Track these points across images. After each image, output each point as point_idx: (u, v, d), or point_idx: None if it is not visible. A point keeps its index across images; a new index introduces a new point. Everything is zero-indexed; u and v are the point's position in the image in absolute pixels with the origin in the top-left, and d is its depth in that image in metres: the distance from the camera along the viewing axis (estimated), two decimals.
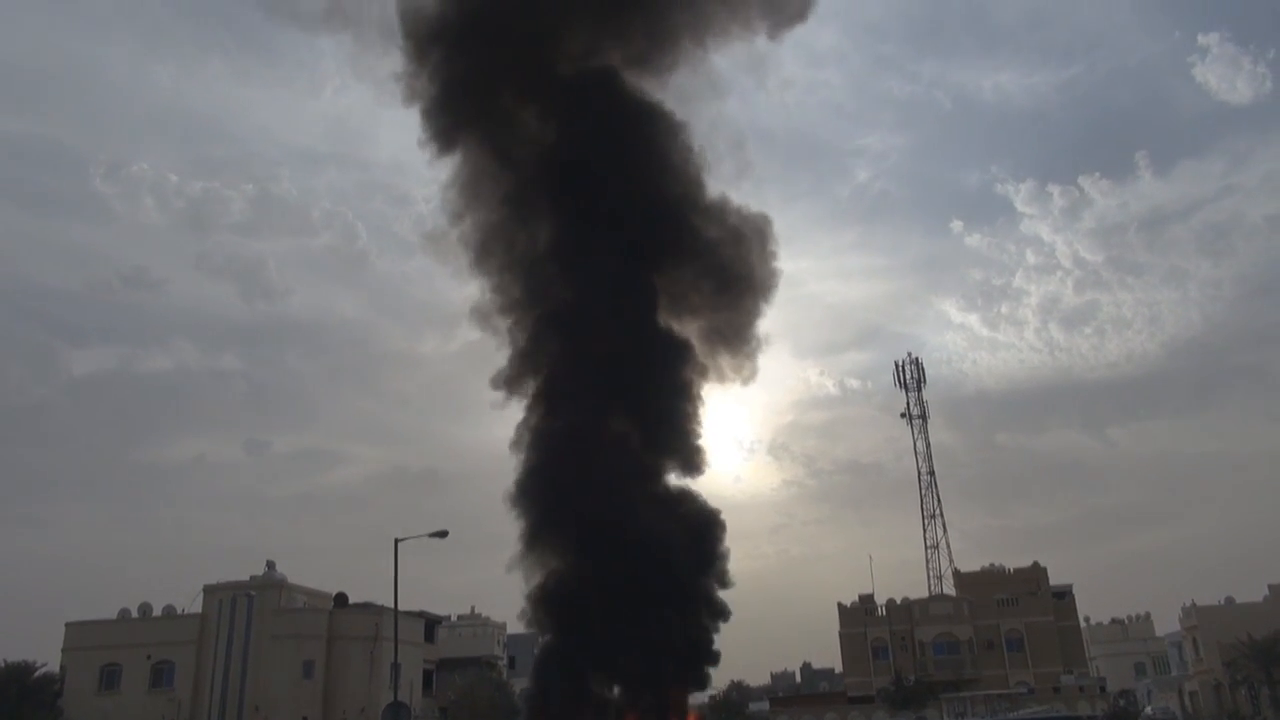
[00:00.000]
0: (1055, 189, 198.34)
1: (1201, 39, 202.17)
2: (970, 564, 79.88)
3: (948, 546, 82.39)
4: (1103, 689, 68.59)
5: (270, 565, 53.34)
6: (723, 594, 34.06)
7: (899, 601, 74.58)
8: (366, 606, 54.31)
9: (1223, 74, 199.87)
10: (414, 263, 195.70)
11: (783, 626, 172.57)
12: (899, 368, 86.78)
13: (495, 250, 36.55)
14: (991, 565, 78.02)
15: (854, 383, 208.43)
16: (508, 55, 35.29)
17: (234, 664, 49.63)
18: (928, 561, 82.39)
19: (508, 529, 32.45)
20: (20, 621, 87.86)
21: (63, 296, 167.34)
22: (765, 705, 77.08)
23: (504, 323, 36.19)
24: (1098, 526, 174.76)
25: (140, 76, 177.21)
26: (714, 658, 33.50)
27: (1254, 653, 58.01)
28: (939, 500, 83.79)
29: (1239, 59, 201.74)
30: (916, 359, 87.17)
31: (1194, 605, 66.63)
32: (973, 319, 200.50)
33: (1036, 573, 74.55)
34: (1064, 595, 74.49)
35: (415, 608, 57.23)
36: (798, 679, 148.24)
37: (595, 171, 34.34)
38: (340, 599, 56.09)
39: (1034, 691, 66.50)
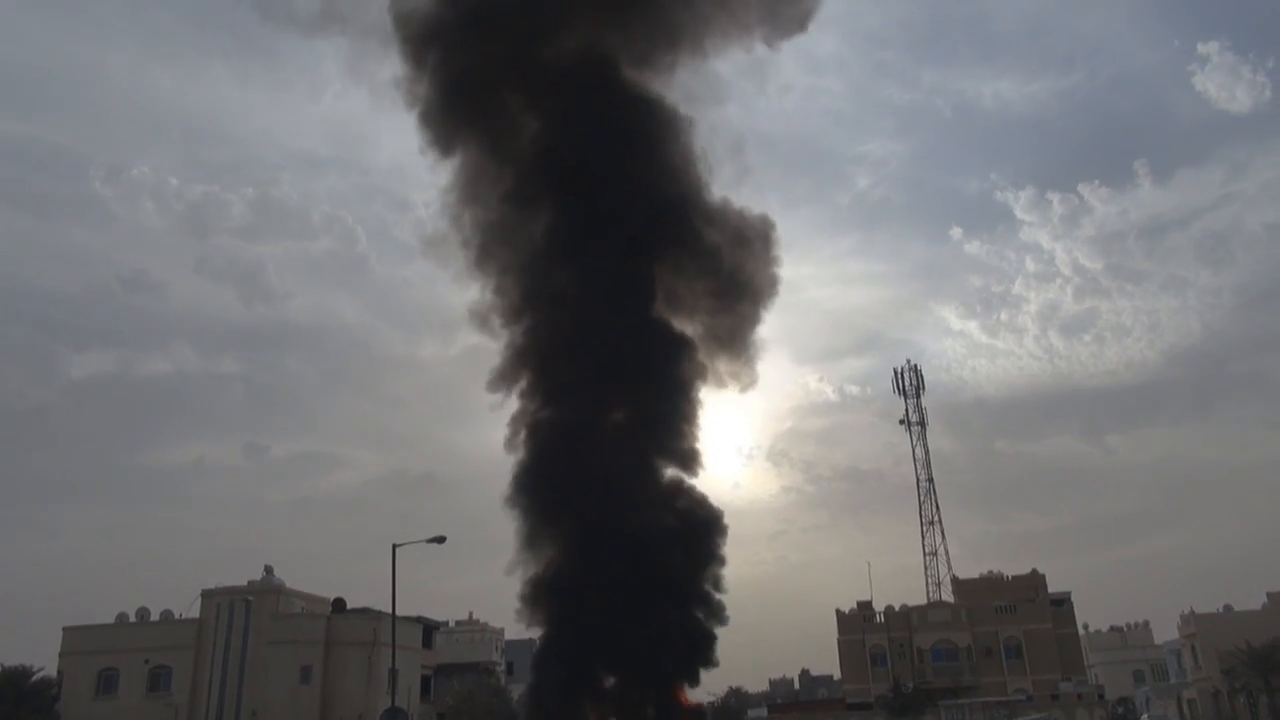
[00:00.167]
0: (1055, 196, 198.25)
1: (1201, 48, 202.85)
2: (969, 571, 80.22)
3: (946, 553, 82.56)
4: (1101, 697, 68.64)
5: (268, 570, 53.25)
6: (720, 598, 34.15)
7: (897, 608, 74.60)
8: (364, 612, 54.20)
9: (1222, 83, 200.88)
10: (414, 267, 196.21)
11: (781, 633, 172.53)
12: (898, 374, 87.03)
13: (495, 251, 36.64)
14: (990, 572, 78.27)
15: (853, 389, 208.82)
16: (506, 51, 35.33)
17: (231, 669, 49.50)
18: (926, 568, 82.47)
19: (506, 534, 32.52)
20: (18, 625, 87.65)
21: (62, 299, 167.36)
22: (763, 712, 77.04)
23: (502, 323, 36.26)
24: (1096, 534, 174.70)
25: (141, 80, 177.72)
26: (711, 650, 33.39)
27: (1252, 661, 57.90)
28: (938, 507, 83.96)
29: (1238, 68, 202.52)
30: (916, 365, 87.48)
31: (1192, 613, 66.56)
32: (972, 326, 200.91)
33: (1035, 580, 74.63)
34: (1062, 602, 74.55)
35: (413, 613, 57.12)
36: (796, 686, 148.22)
37: (594, 168, 34.39)
38: (338, 604, 56.01)
39: (1032, 699, 66.53)
